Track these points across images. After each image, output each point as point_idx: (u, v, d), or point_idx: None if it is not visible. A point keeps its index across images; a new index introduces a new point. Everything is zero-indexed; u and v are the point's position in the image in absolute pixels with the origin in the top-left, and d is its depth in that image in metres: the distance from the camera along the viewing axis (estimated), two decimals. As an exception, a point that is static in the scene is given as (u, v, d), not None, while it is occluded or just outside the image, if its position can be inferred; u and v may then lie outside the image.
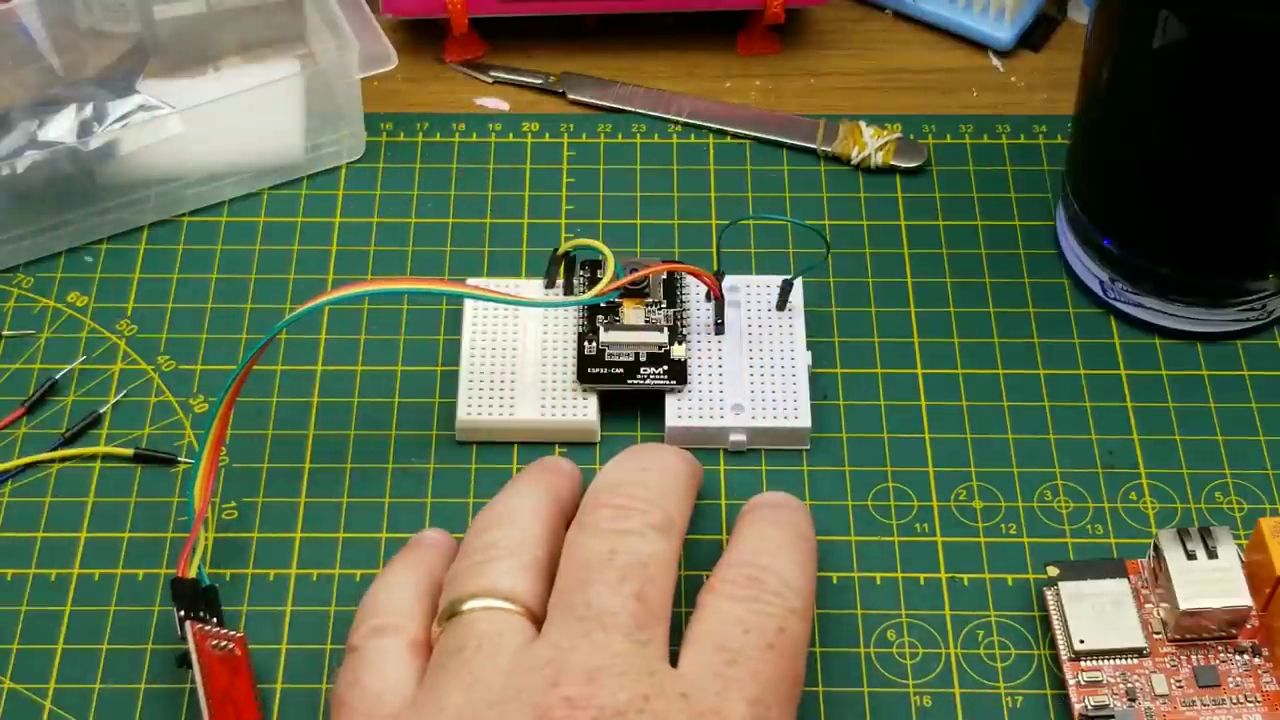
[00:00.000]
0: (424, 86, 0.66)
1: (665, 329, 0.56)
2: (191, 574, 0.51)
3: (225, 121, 0.59)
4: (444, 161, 0.63)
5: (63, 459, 0.55)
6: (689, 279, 0.57)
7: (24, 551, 0.53)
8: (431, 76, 0.66)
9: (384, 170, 0.63)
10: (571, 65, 0.66)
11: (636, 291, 0.57)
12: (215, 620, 0.50)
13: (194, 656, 0.48)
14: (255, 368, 0.56)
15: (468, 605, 0.46)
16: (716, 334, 0.56)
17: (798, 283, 0.57)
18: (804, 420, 0.55)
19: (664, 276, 0.57)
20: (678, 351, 0.55)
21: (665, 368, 0.55)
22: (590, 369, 0.55)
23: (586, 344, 0.56)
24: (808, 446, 0.55)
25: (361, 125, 0.63)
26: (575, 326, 0.57)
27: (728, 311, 0.57)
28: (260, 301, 0.59)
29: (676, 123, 0.64)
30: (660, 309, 0.57)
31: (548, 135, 0.64)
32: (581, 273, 0.58)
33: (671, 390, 0.55)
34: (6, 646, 0.51)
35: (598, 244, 0.56)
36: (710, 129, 0.64)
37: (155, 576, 0.52)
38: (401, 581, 0.49)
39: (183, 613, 0.49)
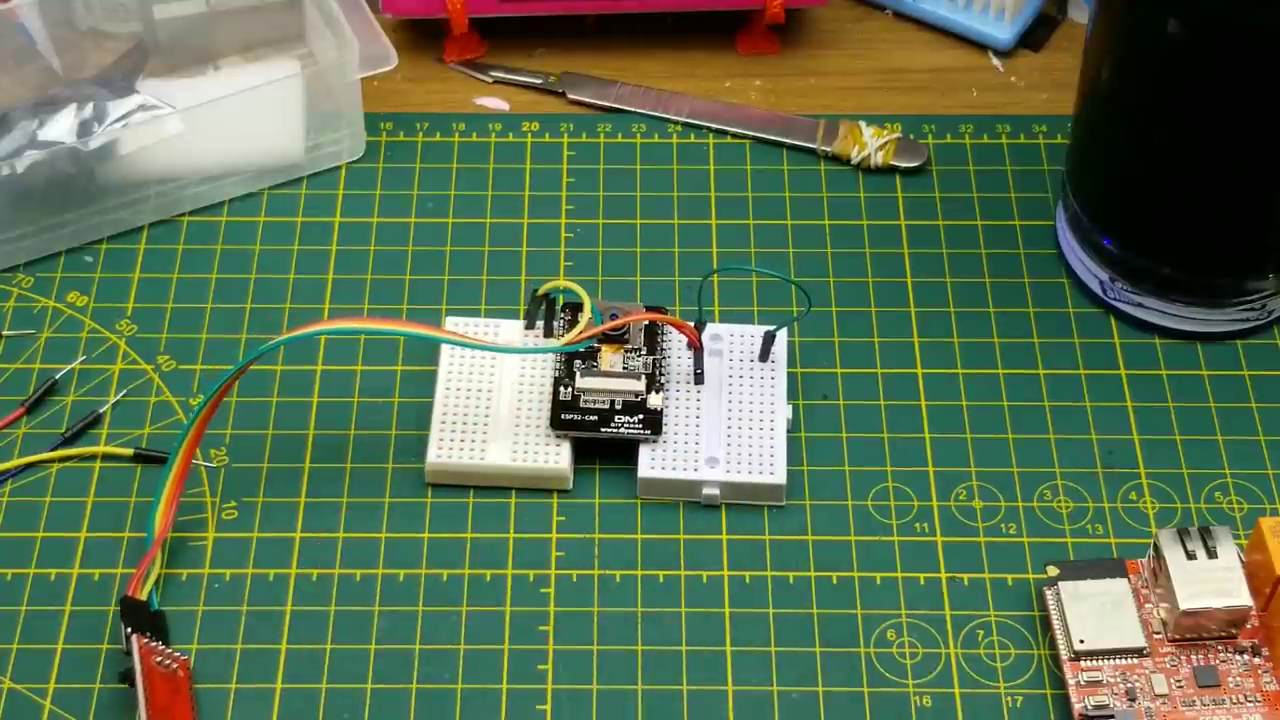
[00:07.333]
0: (424, 86, 0.66)
1: (643, 377, 0.54)
2: (143, 596, 0.50)
3: (225, 121, 0.59)
4: (444, 161, 0.63)
5: (62, 459, 0.55)
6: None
7: (24, 551, 0.53)
8: (431, 76, 0.66)
9: (384, 170, 0.63)
10: (571, 65, 0.66)
11: (616, 337, 0.55)
12: (162, 645, 0.50)
13: (137, 670, 0.48)
14: (254, 367, 0.56)
15: None
16: (696, 383, 0.55)
17: (781, 334, 0.56)
18: (779, 477, 0.53)
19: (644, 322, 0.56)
20: (654, 401, 0.54)
21: (640, 417, 0.54)
22: (564, 415, 0.54)
23: (562, 389, 0.54)
24: (782, 503, 0.54)
25: (361, 125, 0.63)
26: (552, 370, 0.55)
27: (708, 360, 0.55)
28: (260, 301, 0.59)
29: (676, 123, 0.64)
30: (639, 355, 0.55)
31: (548, 135, 0.64)
32: (563, 315, 0.56)
33: (646, 440, 0.54)
34: (6, 646, 0.51)
35: (576, 287, 0.55)
36: (710, 129, 0.64)
37: (155, 576, 0.52)
38: None
39: (130, 629, 0.49)
